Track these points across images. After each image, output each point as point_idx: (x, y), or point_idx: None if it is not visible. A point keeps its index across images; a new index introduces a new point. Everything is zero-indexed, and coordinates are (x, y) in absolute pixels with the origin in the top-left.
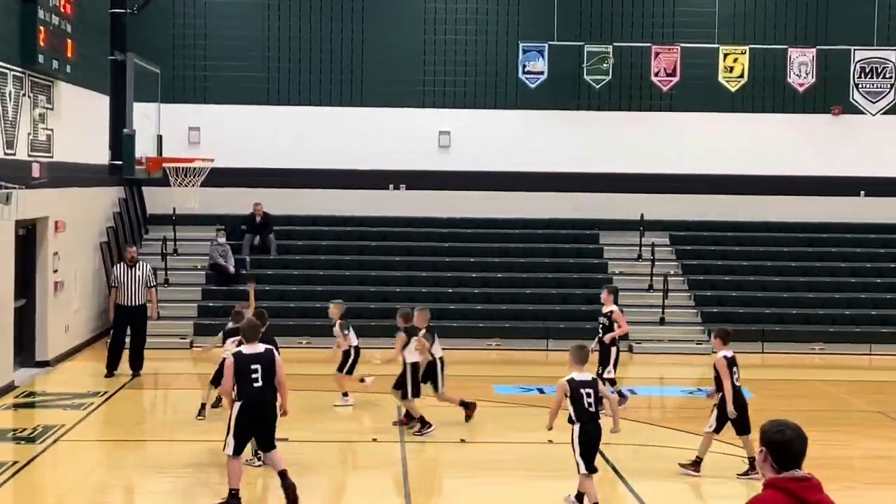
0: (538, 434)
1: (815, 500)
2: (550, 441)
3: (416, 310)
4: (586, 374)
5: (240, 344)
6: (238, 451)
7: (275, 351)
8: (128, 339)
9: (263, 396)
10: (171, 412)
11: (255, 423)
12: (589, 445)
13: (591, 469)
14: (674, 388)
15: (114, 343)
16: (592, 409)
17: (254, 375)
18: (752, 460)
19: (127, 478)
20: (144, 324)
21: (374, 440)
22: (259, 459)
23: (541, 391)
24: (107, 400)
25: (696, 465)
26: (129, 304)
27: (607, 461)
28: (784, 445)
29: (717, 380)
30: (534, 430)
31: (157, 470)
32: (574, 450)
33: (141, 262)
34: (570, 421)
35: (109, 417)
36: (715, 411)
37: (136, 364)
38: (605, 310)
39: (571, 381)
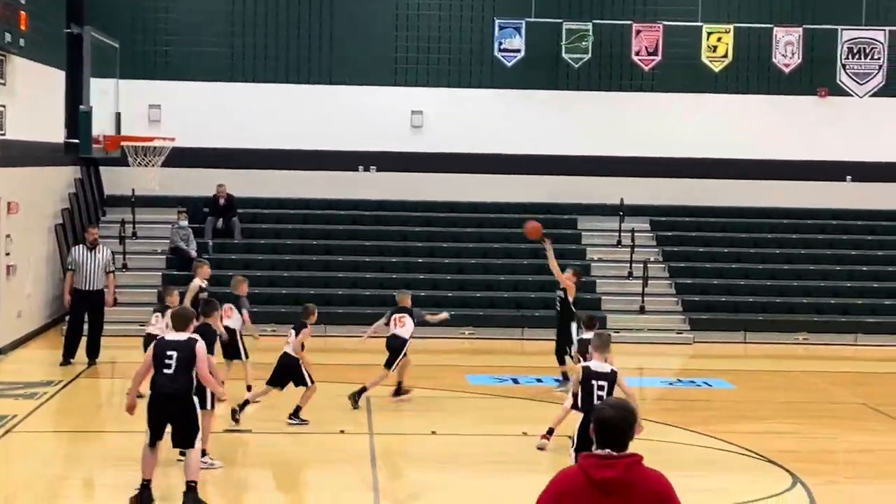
0: (512, 426)
1: (599, 477)
2: (525, 433)
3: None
4: (605, 366)
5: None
6: (151, 440)
7: (199, 342)
8: (85, 326)
9: (172, 386)
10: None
11: (163, 414)
12: (588, 441)
13: None
14: (653, 379)
15: (71, 329)
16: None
17: (167, 362)
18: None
19: (84, 471)
20: (103, 310)
21: (342, 432)
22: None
23: (515, 381)
24: (62, 389)
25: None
26: (88, 288)
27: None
28: (599, 423)
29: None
30: (508, 423)
31: (116, 462)
32: (572, 442)
33: (101, 245)
34: (575, 407)
35: (65, 407)
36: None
37: (93, 352)
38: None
39: (586, 370)
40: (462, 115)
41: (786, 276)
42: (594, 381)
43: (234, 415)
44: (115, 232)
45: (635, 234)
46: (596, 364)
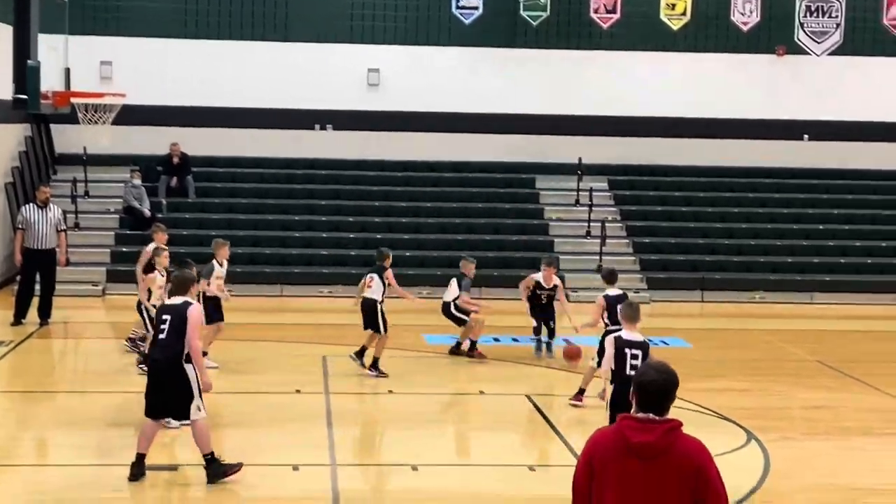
0: (470, 385)
1: (636, 441)
2: (482, 392)
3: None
4: (637, 335)
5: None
6: (147, 411)
7: (193, 306)
8: (37, 286)
9: (163, 353)
10: (83, 362)
11: (156, 383)
12: (622, 411)
13: None
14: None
15: (22, 289)
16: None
17: (161, 327)
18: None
19: (37, 431)
20: (54, 269)
21: (298, 391)
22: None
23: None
24: (13, 349)
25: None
26: (39, 247)
27: (539, 410)
28: (641, 386)
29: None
30: (466, 381)
31: (69, 423)
32: (606, 408)
33: (52, 204)
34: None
35: (17, 368)
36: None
37: (45, 312)
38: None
39: (619, 339)
40: (419, 74)
41: (743, 234)
42: (627, 350)
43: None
44: (67, 191)
45: (593, 193)
46: (627, 333)
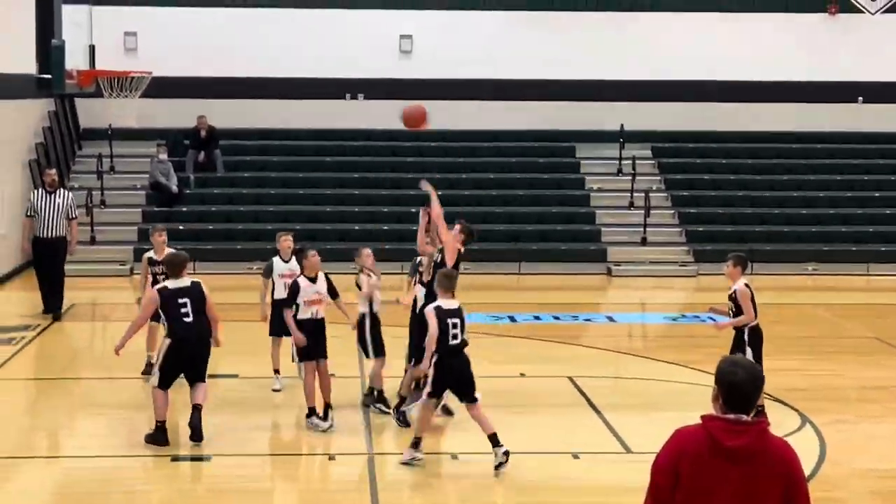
0: (509, 366)
1: (729, 444)
2: (522, 374)
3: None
4: (454, 303)
5: None
6: (164, 384)
7: (202, 283)
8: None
9: (197, 330)
10: (110, 346)
11: (187, 359)
12: (441, 379)
13: None
14: (656, 315)
15: (41, 280)
16: None
17: (183, 311)
18: None
19: (62, 418)
20: (62, 260)
21: (333, 375)
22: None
23: (512, 319)
24: (40, 334)
25: None
26: (48, 235)
27: (582, 393)
28: (733, 386)
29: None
30: (505, 363)
31: (95, 409)
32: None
33: (62, 189)
34: None
35: (43, 353)
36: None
37: (55, 304)
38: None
39: (439, 309)
40: (453, 40)
41: (794, 203)
42: (448, 320)
43: None
44: (93, 167)
45: (636, 161)
46: (446, 303)
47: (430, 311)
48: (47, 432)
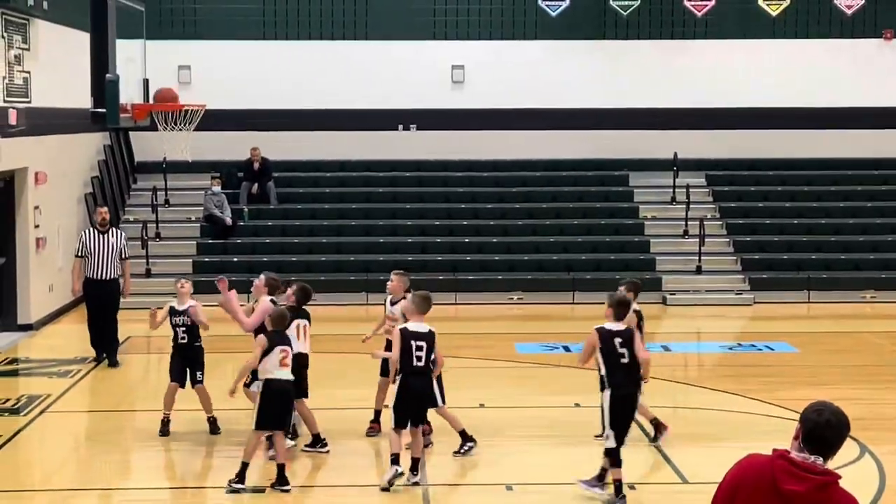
0: (564, 397)
1: (786, 488)
2: (577, 404)
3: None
4: (423, 326)
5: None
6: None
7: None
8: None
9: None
10: (165, 379)
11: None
12: (405, 402)
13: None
14: (711, 344)
15: (92, 324)
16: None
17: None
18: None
19: (119, 452)
20: (115, 302)
21: (388, 406)
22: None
23: (566, 349)
24: (96, 366)
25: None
26: (100, 276)
27: (642, 429)
28: (817, 426)
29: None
30: (559, 393)
31: (151, 443)
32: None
33: (114, 228)
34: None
35: (99, 386)
36: None
37: (111, 352)
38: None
39: (404, 331)
40: (505, 69)
41: (851, 230)
42: (413, 342)
43: None
44: (147, 200)
45: (690, 189)
46: (414, 325)
47: (395, 333)
48: (103, 465)
